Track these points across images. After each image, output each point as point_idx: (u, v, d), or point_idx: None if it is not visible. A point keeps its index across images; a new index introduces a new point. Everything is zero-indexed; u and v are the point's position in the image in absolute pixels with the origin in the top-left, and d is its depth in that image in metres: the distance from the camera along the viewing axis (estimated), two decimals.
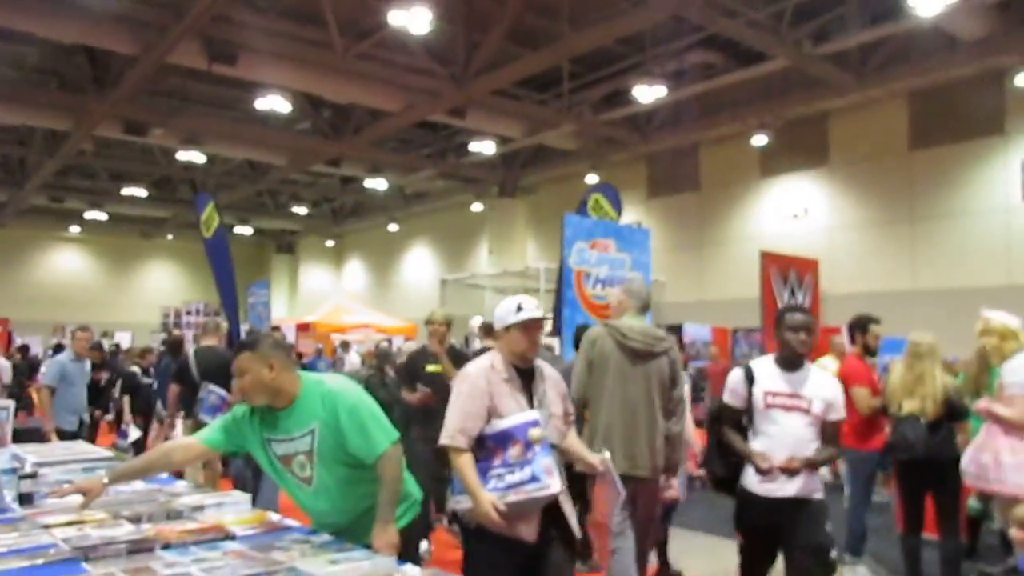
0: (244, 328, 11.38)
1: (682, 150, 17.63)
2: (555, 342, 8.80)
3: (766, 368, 3.67)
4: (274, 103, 13.59)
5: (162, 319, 18.52)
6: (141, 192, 22.37)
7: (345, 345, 8.91)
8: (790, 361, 3.63)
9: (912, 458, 4.70)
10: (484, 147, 16.55)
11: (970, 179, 13.66)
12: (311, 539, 2.63)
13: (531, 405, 3.08)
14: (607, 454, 3.33)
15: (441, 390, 5.05)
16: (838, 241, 15.33)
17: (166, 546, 2.48)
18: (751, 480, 3.58)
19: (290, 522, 2.88)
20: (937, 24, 11.11)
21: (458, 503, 3.05)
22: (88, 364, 7.50)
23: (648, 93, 12.96)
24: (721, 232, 17.44)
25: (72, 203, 23.32)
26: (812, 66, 12.39)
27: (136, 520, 2.80)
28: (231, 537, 2.63)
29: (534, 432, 2.95)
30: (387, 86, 13.54)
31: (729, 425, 3.69)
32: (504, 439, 2.96)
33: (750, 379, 3.64)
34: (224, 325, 8.34)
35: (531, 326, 3.10)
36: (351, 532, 2.72)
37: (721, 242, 17.39)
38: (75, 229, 27.13)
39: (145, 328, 22.02)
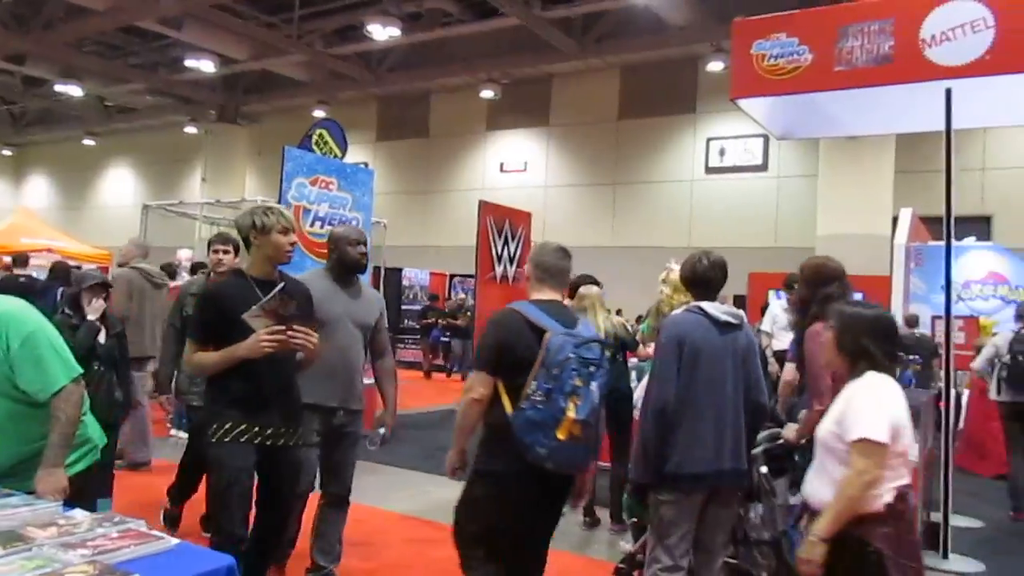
0: None
1: (413, 95, 17.72)
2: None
3: None
4: None
5: None
6: None
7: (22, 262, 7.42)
8: None
9: None
10: (203, 65, 15.29)
11: (665, 151, 15.31)
12: None
13: None
14: None
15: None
16: (552, 197, 16.41)
17: None
18: None
19: None
20: (649, 6, 12.18)
21: None
22: None
23: (382, 32, 12.79)
24: (446, 180, 17.85)
25: None
26: (540, 28, 13.00)
27: None
28: None
29: None
30: None
31: None
32: None
33: None
34: None
35: None
36: (15, 476, 2.42)
37: (445, 189, 17.80)
38: None
39: None
